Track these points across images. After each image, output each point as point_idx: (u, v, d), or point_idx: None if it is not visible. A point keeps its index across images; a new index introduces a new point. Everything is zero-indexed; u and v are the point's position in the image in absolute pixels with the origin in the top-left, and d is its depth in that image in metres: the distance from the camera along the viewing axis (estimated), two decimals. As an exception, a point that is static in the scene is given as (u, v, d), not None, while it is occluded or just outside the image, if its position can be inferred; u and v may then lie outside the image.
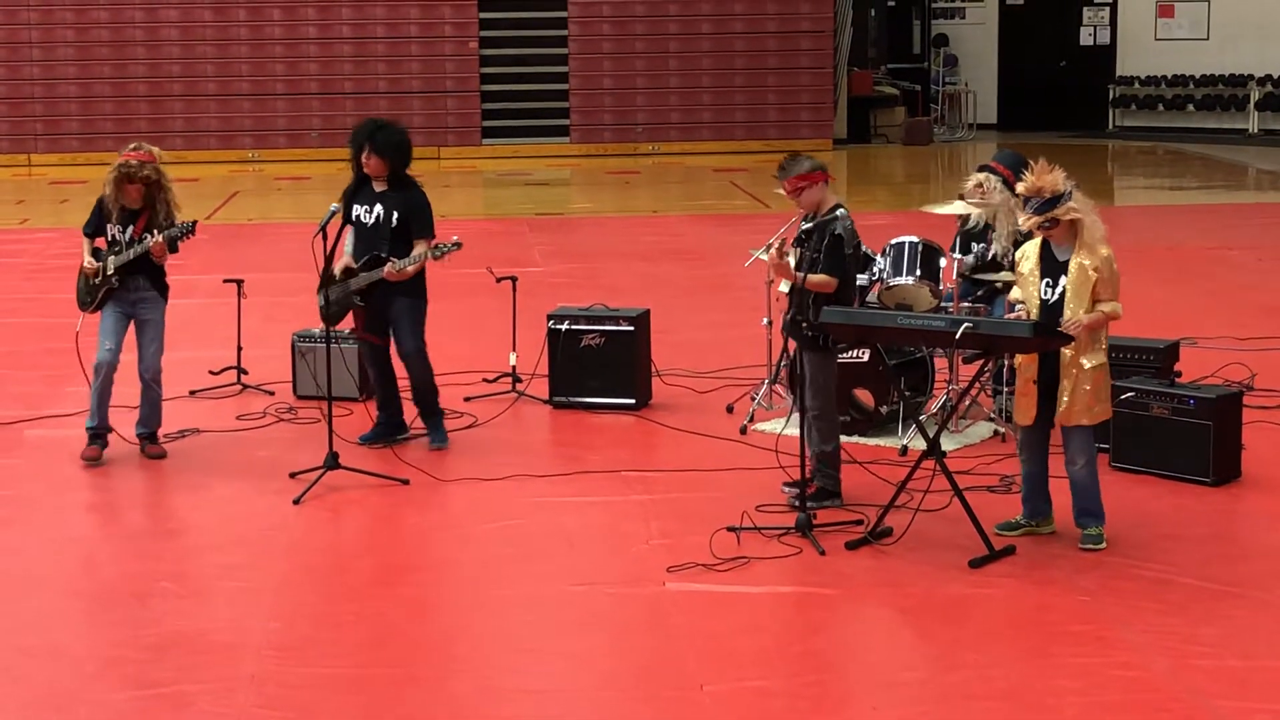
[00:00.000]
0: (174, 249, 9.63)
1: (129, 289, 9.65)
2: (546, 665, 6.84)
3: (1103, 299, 7.90)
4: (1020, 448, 8.29)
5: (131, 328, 9.74)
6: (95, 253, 9.72)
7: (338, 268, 9.80)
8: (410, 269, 9.64)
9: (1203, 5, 29.14)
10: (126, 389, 9.85)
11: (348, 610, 7.50)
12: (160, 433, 9.95)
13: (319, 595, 7.75)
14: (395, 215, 9.74)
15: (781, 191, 8.72)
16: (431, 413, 9.98)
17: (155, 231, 9.51)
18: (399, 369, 10.00)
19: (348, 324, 10.11)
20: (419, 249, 9.67)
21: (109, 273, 9.60)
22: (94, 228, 9.75)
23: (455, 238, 9.73)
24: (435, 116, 27.29)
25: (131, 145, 9.68)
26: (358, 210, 9.85)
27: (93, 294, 9.71)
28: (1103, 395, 8.02)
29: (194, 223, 9.65)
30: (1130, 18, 29.67)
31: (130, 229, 9.60)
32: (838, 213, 8.51)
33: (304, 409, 10.72)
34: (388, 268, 9.62)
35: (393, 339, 9.90)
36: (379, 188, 9.83)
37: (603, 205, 22.26)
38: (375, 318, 9.86)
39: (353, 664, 6.85)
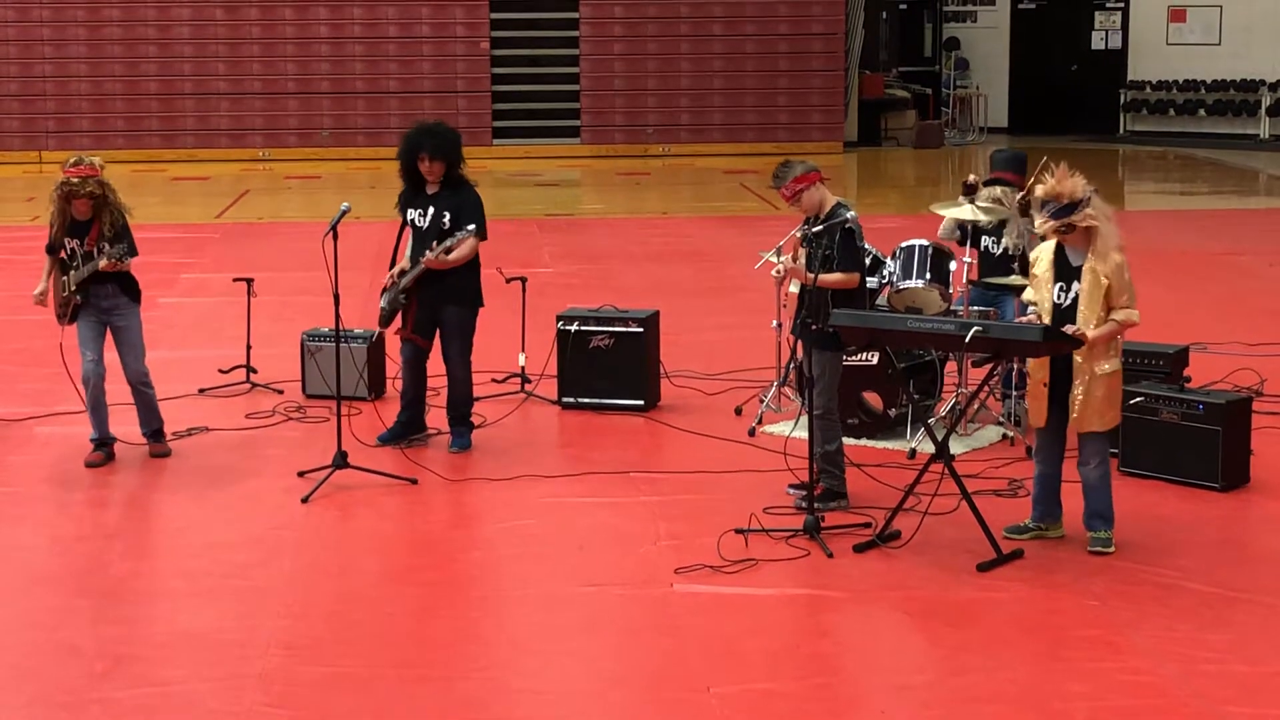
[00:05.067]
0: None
1: (99, 298, 9.58)
2: (555, 665, 6.84)
3: (1117, 306, 7.89)
4: (1035, 450, 8.29)
5: (110, 334, 9.69)
6: (62, 264, 9.66)
7: (395, 272, 9.86)
8: (451, 257, 9.63)
9: (1215, 10, 29.07)
10: (124, 386, 9.83)
11: (356, 609, 7.50)
12: (168, 430, 9.96)
13: (327, 594, 7.76)
14: (447, 215, 9.74)
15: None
16: (463, 420, 10.00)
17: (100, 249, 9.41)
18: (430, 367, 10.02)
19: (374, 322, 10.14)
20: (451, 241, 9.66)
21: (71, 289, 9.57)
22: (52, 245, 9.70)
23: (472, 226, 9.71)
24: (446, 116, 26.98)
25: (71, 160, 9.52)
26: (412, 214, 9.86)
27: (63, 308, 9.69)
28: (1115, 401, 8.04)
29: (131, 253, 9.45)
30: (1142, 22, 29.62)
31: (85, 240, 9.53)
32: (848, 215, 8.52)
33: (313, 408, 10.73)
34: (427, 255, 9.63)
35: (441, 343, 9.92)
36: (432, 190, 9.82)
37: (613, 206, 22.26)
38: (425, 320, 9.87)
39: (361, 663, 6.85)
